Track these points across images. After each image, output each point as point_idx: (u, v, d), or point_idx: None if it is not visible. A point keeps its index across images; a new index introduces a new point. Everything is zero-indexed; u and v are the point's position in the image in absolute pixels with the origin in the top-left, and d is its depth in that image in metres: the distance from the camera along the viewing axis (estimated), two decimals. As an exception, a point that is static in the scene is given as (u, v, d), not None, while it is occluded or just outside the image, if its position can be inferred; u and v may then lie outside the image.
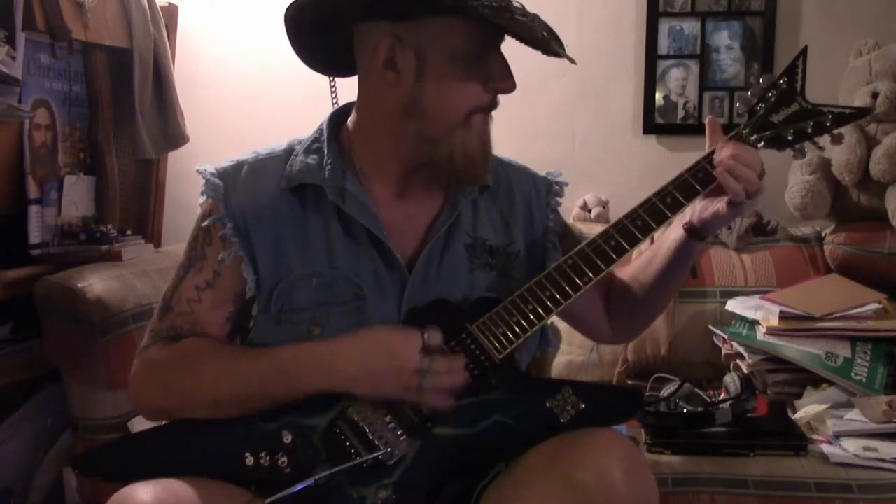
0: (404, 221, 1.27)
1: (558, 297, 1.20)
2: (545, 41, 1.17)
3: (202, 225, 1.25)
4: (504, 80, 1.20)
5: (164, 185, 2.48)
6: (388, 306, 1.23)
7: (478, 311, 1.21)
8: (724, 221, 1.26)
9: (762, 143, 1.25)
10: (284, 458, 1.14)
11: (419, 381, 1.13)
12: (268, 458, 1.14)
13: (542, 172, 1.42)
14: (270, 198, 1.24)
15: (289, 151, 1.29)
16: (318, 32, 1.27)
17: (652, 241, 1.41)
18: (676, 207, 1.24)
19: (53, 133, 2.06)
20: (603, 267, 1.21)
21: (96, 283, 1.83)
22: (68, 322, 1.80)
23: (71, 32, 1.94)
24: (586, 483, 1.05)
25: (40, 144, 2.02)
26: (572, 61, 1.18)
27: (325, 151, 1.26)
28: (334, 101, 1.40)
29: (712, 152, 1.25)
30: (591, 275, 1.21)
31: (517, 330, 1.19)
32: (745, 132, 1.25)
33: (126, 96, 2.22)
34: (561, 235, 1.38)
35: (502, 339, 1.19)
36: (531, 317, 1.19)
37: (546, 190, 1.40)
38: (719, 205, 1.24)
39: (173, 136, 2.36)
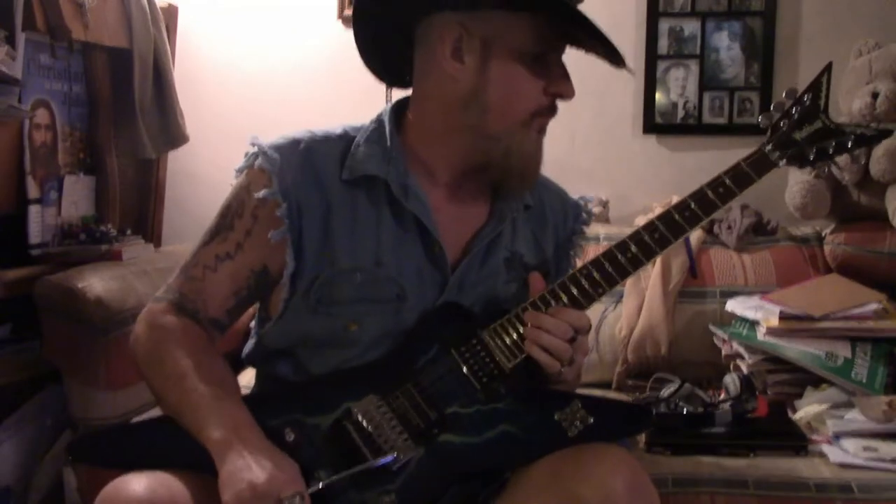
0: (451, 226, 1.25)
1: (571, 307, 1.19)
2: (614, 50, 1.18)
3: (246, 197, 1.21)
4: (565, 84, 1.20)
5: (164, 185, 2.48)
6: (424, 308, 1.21)
7: (492, 319, 1.20)
8: (553, 384, 1.21)
9: (784, 161, 1.23)
10: None
11: None
12: None
13: (575, 197, 1.42)
14: (325, 183, 1.21)
15: (345, 138, 1.25)
16: (379, 30, 1.26)
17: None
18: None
19: (53, 133, 2.06)
20: (618, 278, 1.20)
21: (96, 283, 1.82)
22: (68, 322, 1.80)
23: (71, 32, 1.94)
24: (588, 499, 1.05)
25: (40, 144, 2.01)
26: (631, 71, 1.23)
27: (389, 144, 1.23)
28: (388, 91, 1.40)
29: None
30: (605, 285, 1.19)
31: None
32: (767, 149, 1.23)
33: (126, 96, 2.22)
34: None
35: (513, 347, 1.18)
36: None
37: (574, 217, 1.40)
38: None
39: (173, 136, 2.36)
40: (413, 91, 1.27)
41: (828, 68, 1.24)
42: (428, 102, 1.24)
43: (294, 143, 1.23)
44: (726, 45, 2.46)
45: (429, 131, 1.24)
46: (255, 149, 1.22)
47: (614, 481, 1.06)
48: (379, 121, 1.27)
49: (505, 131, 1.19)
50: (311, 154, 1.22)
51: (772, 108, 1.26)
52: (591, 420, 1.16)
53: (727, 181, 1.21)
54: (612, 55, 1.20)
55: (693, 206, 1.20)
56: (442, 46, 1.18)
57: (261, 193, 1.19)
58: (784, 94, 1.26)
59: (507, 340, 1.18)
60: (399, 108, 1.29)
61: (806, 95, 1.24)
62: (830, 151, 1.22)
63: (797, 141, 1.23)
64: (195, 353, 1.19)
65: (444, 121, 1.22)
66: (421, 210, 1.21)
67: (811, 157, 1.23)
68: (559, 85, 1.20)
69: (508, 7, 1.16)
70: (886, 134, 1.26)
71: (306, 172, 1.21)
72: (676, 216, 1.20)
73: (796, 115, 1.23)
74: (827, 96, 1.23)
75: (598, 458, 1.10)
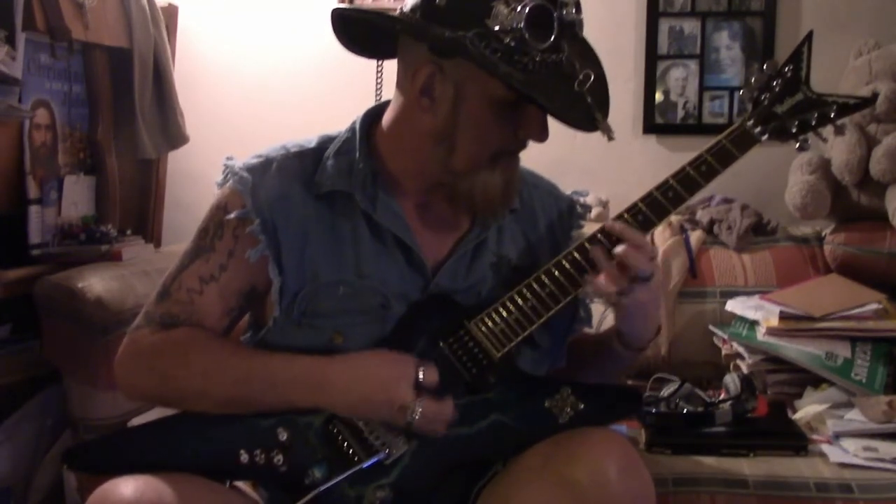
0: (429, 232, 1.25)
1: (558, 293, 1.18)
2: (576, 118, 1.14)
3: (223, 218, 1.21)
4: (538, 131, 1.17)
5: (164, 185, 2.48)
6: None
7: (479, 311, 1.19)
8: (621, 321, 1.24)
9: (766, 136, 1.22)
10: (280, 456, 1.14)
11: (406, 418, 1.12)
12: (263, 456, 1.14)
13: (567, 192, 1.41)
14: (299, 199, 1.21)
15: (319, 150, 1.25)
16: (364, 25, 1.23)
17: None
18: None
19: (53, 133, 2.06)
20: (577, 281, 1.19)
21: (96, 283, 1.82)
22: (68, 322, 1.80)
23: (71, 32, 1.94)
24: (581, 481, 1.05)
25: (40, 144, 2.01)
26: (610, 137, 1.16)
27: (357, 155, 1.23)
28: (378, 90, 1.37)
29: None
30: (591, 270, 1.19)
31: (516, 328, 1.18)
32: (748, 124, 1.22)
33: (126, 96, 2.22)
34: None
35: (501, 336, 1.18)
36: (530, 314, 1.18)
37: (568, 212, 1.38)
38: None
39: (173, 136, 2.36)
40: (393, 98, 1.25)
41: (808, 37, 1.23)
42: (398, 122, 1.22)
43: (266, 163, 1.24)
44: (726, 45, 2.45)
45: (398, 148, 1.23)
46: (228, 170, 1.23)
47: (607, 463, 1.06)
48: (352, 129, 1.27)
49: (469, 171, 1.18)
50: (283, 172, 1.23)
51: (752, 81, 1.24)
52: (582, 406, 1.16)
53: (709, 159, 1.20)
54: (578, 123, 1.15)
55: (676, 185, 1.19)
56: (414, 79, 1.16)
57: (234, 213, 1.20)
58: (765, 67, 1.25)
59: (496, 329, 1.18)
60: (374, 114, 1.28)
61: (787, 67, 1.23)
62: (813, 123, 1.22)
63: (778, 115, 1.22)
64: (214, 337, 1.20)
65: (412, 144, 1.21)
66: (392, 221, 1.21)
67: (793, 130, 1.22)
68: (532, 131, 1.17)
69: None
70: (870, 101, 1.25)
71: (279, 191, 1.21)
72: (659, 197, 1.20)
73: (777, 89, 1.22)
74: (808, 67, 1.23)
75: (589, 441, 1.10)
